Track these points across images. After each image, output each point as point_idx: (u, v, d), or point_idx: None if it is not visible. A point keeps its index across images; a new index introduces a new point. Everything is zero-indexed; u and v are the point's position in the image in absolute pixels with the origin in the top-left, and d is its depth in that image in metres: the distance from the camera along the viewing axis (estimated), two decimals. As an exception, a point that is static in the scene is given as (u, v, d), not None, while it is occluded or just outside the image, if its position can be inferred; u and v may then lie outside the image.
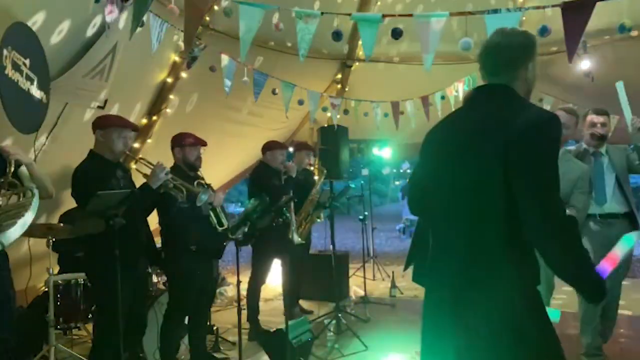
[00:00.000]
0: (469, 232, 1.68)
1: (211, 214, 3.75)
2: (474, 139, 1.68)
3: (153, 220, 3.73)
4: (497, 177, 1.59)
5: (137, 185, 3.34)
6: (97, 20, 3.58)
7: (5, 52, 2.73)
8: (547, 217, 1.53)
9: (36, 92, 3.08)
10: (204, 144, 3.91)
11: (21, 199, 2.37)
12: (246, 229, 3.63)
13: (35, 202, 2.36)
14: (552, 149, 1.60)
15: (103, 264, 2.98)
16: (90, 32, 3.61)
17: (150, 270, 3.61)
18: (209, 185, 3.86)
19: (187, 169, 3.80)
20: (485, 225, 1.64)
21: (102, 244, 2.95)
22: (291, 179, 4.87)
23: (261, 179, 4.87)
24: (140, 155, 3.55)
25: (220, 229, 3.71)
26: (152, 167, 3.23)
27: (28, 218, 2.22)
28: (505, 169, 1.58)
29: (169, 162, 3.86)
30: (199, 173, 3.88)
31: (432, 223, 1.85)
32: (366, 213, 7.42)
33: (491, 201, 1.62)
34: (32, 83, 3.02)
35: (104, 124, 3.21)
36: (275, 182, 4.81)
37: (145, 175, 3.24)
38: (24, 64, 2.93)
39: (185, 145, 3.82)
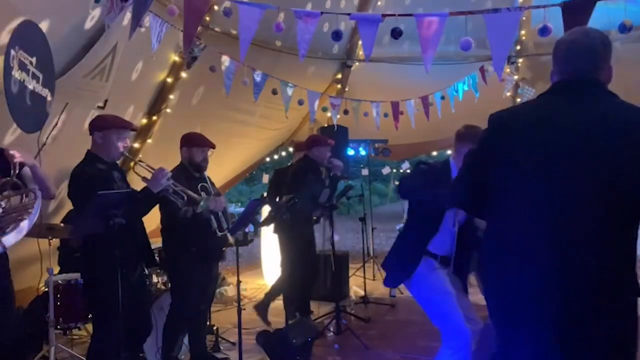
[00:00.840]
0: (594, 251, 1.54)
1: (212, 217, 3.74)
2: (597, 143, 1.59)
3: (153, 220, 3.74)
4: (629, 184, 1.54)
5: (134, 187, 3.32)
6: (96, 13, 3.53)
7: (12, 52, 2.73)
8: None
9: (41, 90, 3.07)
10: (212, 146, 3.89)
11: (24, 201, 2.37)
12: (247, 230, 3.64)
13: (38, 204, 2.35)
14: None
15: (102, 265, 2.98)
16: (89, 25, 3.57)
17: (147, 271, 3.60)
18: (212, 184, 3.86)
19: (192, 169, 3.80)
20: (615, 242, 1.55)
21: (101, 245, 2.94)
22: (336, 177, 4.83)
23: (306, 174, 4.82)
24: (141, 158, 3.53)
25: (219, 233, 3.69)
26: (152, 171, 3.20)
27: (31, 220, 2.21)
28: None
29: (168, 162, 3.86)
30: (204, 174, 3.88)
31: (510, 232, 1.69)
32: (366, 213, 7.41)
33: (624, 214, 1.55)
34: (37, 81, 3.01)
35: (102, 126, 3.15)
36: (319, 178, 4.79)
37: (144, 179, 3.21)
38: (31, 62, 2.92)
39: (193, 146, 3.81)
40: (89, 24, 3.57)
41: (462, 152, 2.87)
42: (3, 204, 2.23)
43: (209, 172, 3.97)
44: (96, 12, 3.49)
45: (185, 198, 3.32)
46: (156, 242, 3.95)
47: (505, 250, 1.70)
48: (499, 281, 1.72)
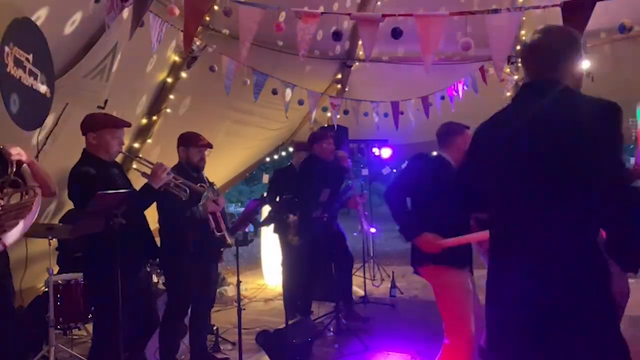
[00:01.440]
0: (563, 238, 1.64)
1: (210, 217, 3.73)
2: (546, 136, 1.67)
3: (153, 220, 3.73)
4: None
5: (134, 183, 3.32)
6: (77, 17, 3.51)
7: (6, 49, 2.72)
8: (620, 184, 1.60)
9: (40, 87, 3.06)
10: (209, 145, 3.88)
11: (24, 198, 2.36)
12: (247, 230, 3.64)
13: (38, 201, 2.35)
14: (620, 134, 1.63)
15: (104, 264, 2.98)
16: (69, 29, 3.55)
17: (149, 269, 3.60)
18: (211, 184, 3.86)
19: (190, 169, 3.79)
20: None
21: (103, 244, 2.94)
22: (345, 169, 4.80)
23: (310, 173, 4.83)
24: (140, 155, 3.53)
25: (217, 234, 3.69)
26: (151, 166, 3.20)
27: (31, 218, 2.21)
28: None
29: (169, 161, 3.86)
30: (202, 174, 3.88)
31: (505, 225, 1.79)
32: (366, 213, 7.41)
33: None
34: (35, 78, 3.00)
35: (95, 126, 3.12)
36: (325, 176, 4.78)
37: (145, 175, 3.21)
38: (27, 59, 2.92)
39: (190, 145, 3.80)
40: (69, 29, 3.52)
41: (455, 144, 3.07)
42: (3, 202, 2.22)
43: (208, 172, 3.97)
44: (77, 16, 3.45)
45: (188, 191, 3.32)
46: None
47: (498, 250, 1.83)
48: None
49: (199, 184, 3.72)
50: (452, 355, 2.92)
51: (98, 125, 3.13)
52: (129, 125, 3.32)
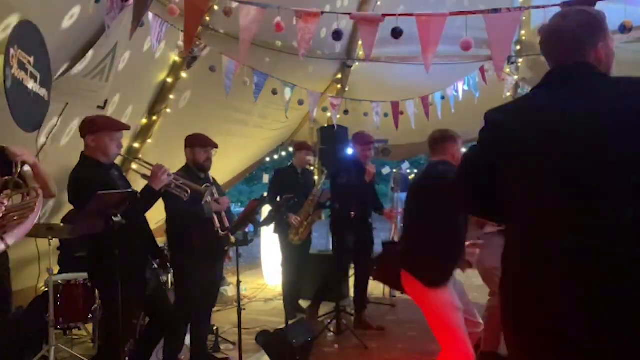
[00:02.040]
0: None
1: (215, 217, 3.74)
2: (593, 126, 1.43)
3: (155, 219, 3.73)
4: None
5: (134, 185, 3.33)
6: (75, 11, 3.50)
7: (12, 51, 2.73)
8: None
9: (39, 90, 3.08)
10: (214, 145, 3.91)
11: (26, 199, 2.37)
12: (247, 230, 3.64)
13: (40, 202, 2.35)
14: None
15: (109, 264, 2.98)
16: (67, 23, 3.53)
17: (156, 266, 3.61)
18: (217, 185, 3.86)
19: (197, 170, 3.82)
20: None
21: (106, 244, 2.94)
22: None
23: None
24: (140, 156, 3.53)
25: (221, 233, 3.70)
26: (150, 167, 3.20)
27: (33, 218, 2.21)
28: None
29: (168, 162, 3.86)
30: (209, 175, 3.89)
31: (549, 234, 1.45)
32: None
33: None
34: (35, 81, 3.02)
35: (93, 129, 3.11)
36: (354, 180, 4.78)
37: (145, 177, 3.21)
38: (29, 62, 2.93)
39: (196, 146, 3.83)
40: (67, 22, 3.50)
41: (449, 152, 3.03)
42: (5, 202, 2.22)
43: (209, 172, 3.98)
44: (76, 10, 3.44)
45: (189, 191, 3.33)
46: (160, 242, 3.95)
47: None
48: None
49: (204, 185, 3.73)
50: None
51: (96, 127, 3.11)
52: (127, 128, 3.33)
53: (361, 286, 5.11)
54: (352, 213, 4.73)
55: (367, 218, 5.00)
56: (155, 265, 3.54)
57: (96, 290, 3.83)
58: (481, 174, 1.66)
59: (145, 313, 3.24)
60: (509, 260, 1.58)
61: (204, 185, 3.72)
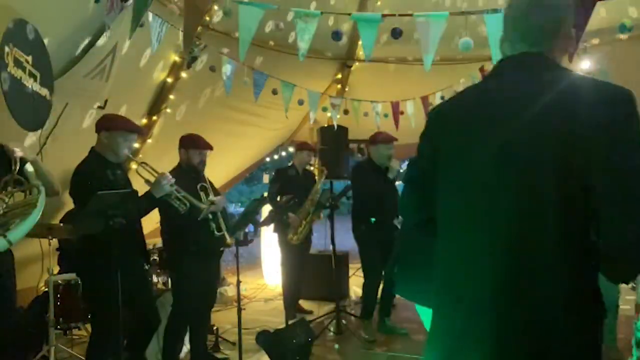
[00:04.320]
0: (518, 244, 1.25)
1: (210, 217, 3.73)
2: (523, 130, 1.27)
3: (152, 220, 3.73)
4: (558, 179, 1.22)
5: (135, 187, 3.33)
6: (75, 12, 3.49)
7: (7, 49, 2.73)
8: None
9: (39, 89, 3.08)
10: (209, 148, 3.88)
11: (27, 197, 2.37)
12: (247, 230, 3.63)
13: (42, 199, 2.35)
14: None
15: (100, 264, 2.98)
16: (67, 23, 3.53)
17: (147, 267, 3.61)
18: (211, 185, 3.86)
19: (190, 170, 3.80)
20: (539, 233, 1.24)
21: (99, 244, 2.95)
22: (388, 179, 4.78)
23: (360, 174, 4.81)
24: (142, 159, 3.53)
25: (217, 234, 3.70)
26: (155, 174, 3.20)
27: (35, 216, 2.21)
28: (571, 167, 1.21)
29: (168, 162, 3.86)
30: (203, 175, 3.88)
31: (450, 229, 1.40)
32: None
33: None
34: (35, 80, 3.01)
35: (110, 126, 3.16)
36: (375, 180, 4.74)
37: (147, 182, 3.21)
38: (27, 60, 2.92)
39: (191, 147, 3.81)
40: (67, 23, 3.52)
41: None
42: (7, 199, 2.23)
43: (208, 172, 3.97)
44: (76, 10, 3.46)
45: (188, 205, 3.33)
46: (156, 242, 3.95)
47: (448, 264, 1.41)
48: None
49: (199, 185, 3.73)
50: None
51: (112, 125, 3.17)
52: (142, 131, 3.35)
53: (388, 291, 4.86)
54: (373, 219, 4.62)
55: (392, 220, 4.74)
56: (146, 267, 3.53)
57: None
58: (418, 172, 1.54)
59: (134, 314, 3.23)
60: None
61: (199, 185, 3.72)
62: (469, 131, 1.38)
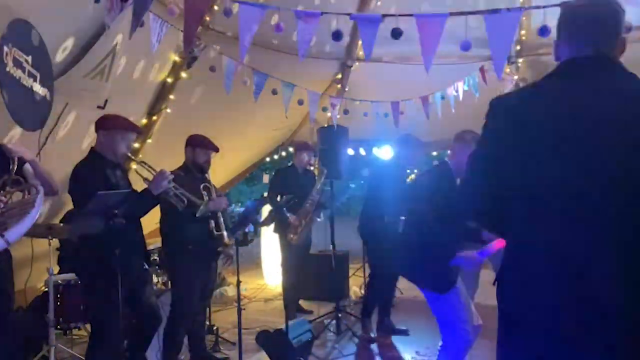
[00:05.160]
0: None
1: (210, 217, 3.73)
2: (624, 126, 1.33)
3: (152, 220, 3.73)
4: None
5: (135, 187, 3.33)
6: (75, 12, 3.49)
7: (5, 49, 2.73)
8: None
9: (39, 89, 3.08)
10: (215, 149, 3.93)
11: (26, 196, 2.36)
12: (247, 229, 3.63)
13: (40, 199, 2.35)
14: None
15: (99, 264, 2.97)
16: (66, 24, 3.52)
17: (147, 267, 3.61)
18: (214, 191, 3.86)
19: (195, 170, 3.82)
20: None
21: (98, 244, 2.94)
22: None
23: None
24: (142, 159, 3.53)
25: (216, 233, 3.70)
26: (154, 172, 3.21)
27: (33, 215, 2.20)
28: None
29: (168, 162, 3.86)
30: (207, 175, 3.89)
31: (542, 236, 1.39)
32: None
33: None
34: (34, 80, 3.01)
35: (108, 125, 3.18)
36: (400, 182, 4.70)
37: (146, 180, 3.22)
38: (26, 61, 2.92)
39: (198, 147, 3.85)
40: (67, 23, 3.52)
41: (463, 153, 2.92)
42: (5, 199, 2.22)
43: (209, 172, 3.97)
44: (76, 10, 3.45)
45: (186, 202, 3.33)
46: (157, 242, 3.95)
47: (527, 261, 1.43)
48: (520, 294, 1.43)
49: (202, 185, 3.73)
50: (448, 355, 2.95)
51: (111, 124, 3.19)
52: (140, 130, 3.37)
53: (388, 290, 4.92)
54: (386, 218, 4.56)
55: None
56: (146, 266, 3.53)
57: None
58: (483, 175, 1.53)
59: (134, 314, 3.23)
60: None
61: (202, 185, 3.73)
62: (555, 130, 1.39)
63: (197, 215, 3.46)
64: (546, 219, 1.38)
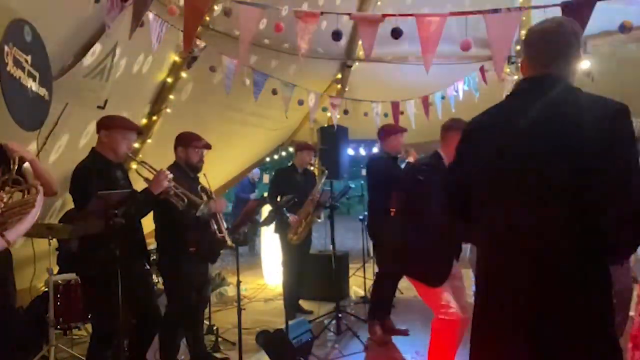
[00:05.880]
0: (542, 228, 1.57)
1: (211, 219, 3.73)
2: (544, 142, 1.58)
3: (149, 222, 3.71)
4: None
5: (135, 187, 3.33)
6: (75, 12, 3.50)
7: (6, 48, 2.73)
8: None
9: (38, 89, 3.08)
10: (208, 147, 3.86)
11: (26, 196, 2.36)
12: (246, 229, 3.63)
13: (40, 199, 2.35)
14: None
15: (100, 264, 2.97)
16: (66, 23, 3.54)
17: (148, 267, 3.60)
18: (210, 193, 3.84)
19: (188, 169, 3.78)
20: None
21: (99, 244, 2.94)
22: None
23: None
24: (142, 159, 3.53)
25: (219, 235, 3.69)
26: (154, 172, 3.21)
27: (33, 215, 2.20)
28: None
29: (168, 162, 3.86)
30: (199, 175, 3.87)
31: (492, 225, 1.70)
32: (366, 213, 7.38)
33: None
34: (34, 80, 3.01)
35: (108, 125, 3.20)
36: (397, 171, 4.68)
37: (146, 180, 3.22)
38: (26, 60, 2.92)
39: (190, 146, 3.78)
40: (67, 23, 3.53)
41: (450, 141, 3.00)
42: (5, 198, 2.22)
43: (207, 172, 3.95)
44: (76, 11, 3.46)
45: (186, 201, 3.33)
46: (152, 244, 3.93)
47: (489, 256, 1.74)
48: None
49: (199, 187, 3.72)
50: (442, 331, 3.00)
51: (112, 124, 3.21)
52: (140, 130, 3.38)
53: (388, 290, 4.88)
54: (392, 210, 4.46)
55: None
56: (147, 266, 3.53)
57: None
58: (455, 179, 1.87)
59: (135, 314, 3.23)
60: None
61: (199, 185, 3.72)
62: (500, 141, 1.68)
63: (197, 214, 3.45)
64: (491, 207, 1.71)
